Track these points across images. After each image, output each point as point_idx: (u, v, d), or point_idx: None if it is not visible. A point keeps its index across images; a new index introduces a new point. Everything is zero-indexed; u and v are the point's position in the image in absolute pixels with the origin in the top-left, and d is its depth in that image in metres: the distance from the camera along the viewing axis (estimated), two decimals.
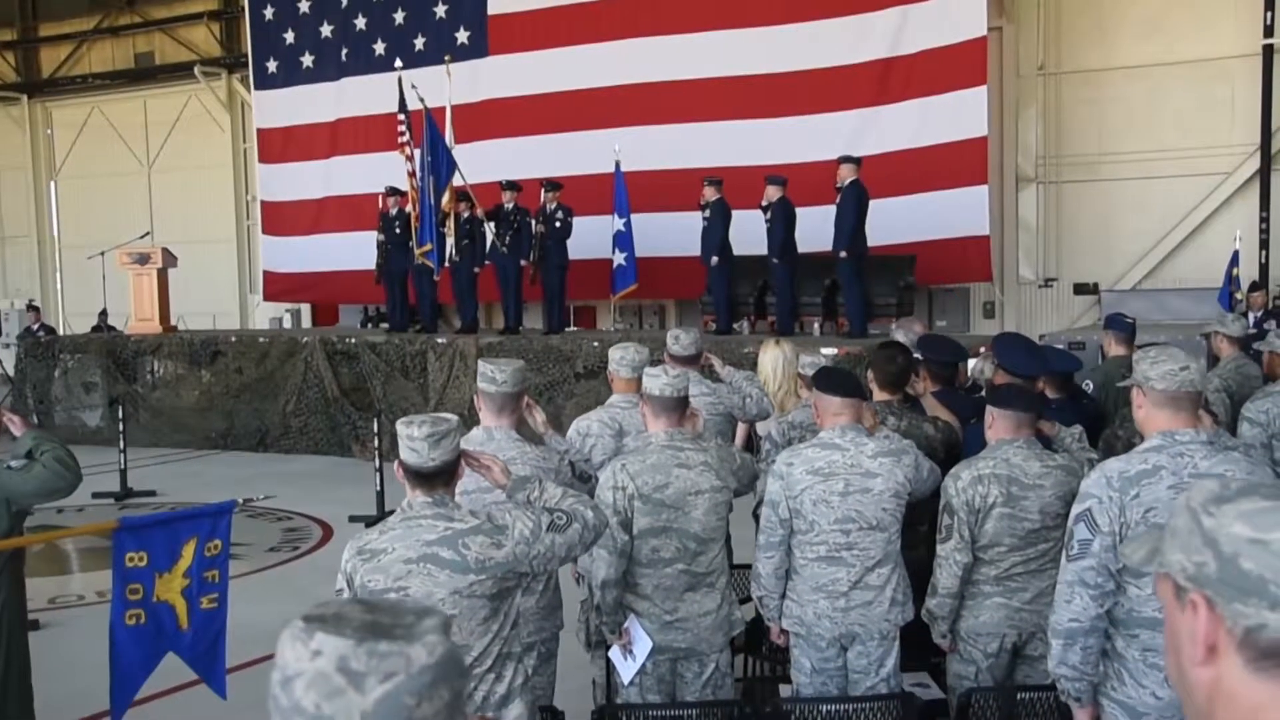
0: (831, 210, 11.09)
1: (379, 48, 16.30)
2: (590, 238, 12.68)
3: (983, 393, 5.17)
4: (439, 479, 2.89)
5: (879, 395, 4.52)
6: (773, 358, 6.00)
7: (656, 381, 3.76)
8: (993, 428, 3.83)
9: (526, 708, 2.95)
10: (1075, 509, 2.97)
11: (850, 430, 3.82)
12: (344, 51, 16.83)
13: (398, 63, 13.35)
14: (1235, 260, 11.63)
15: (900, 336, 5.54)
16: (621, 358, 4.64)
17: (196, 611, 4.14)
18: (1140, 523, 2.85)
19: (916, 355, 5.02)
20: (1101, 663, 2.98)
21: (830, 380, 3.87)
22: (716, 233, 11.66)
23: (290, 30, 17.35)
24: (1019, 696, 3.52)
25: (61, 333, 17.73)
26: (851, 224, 10.88)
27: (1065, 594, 2.94)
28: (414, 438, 2.86)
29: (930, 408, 4.74)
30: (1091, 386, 5.97)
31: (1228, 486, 1.07)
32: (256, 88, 17.91)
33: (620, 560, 3.65)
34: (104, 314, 17.01)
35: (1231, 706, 1.03)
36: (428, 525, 2.83)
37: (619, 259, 12.62)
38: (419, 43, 15.87)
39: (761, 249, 11.53)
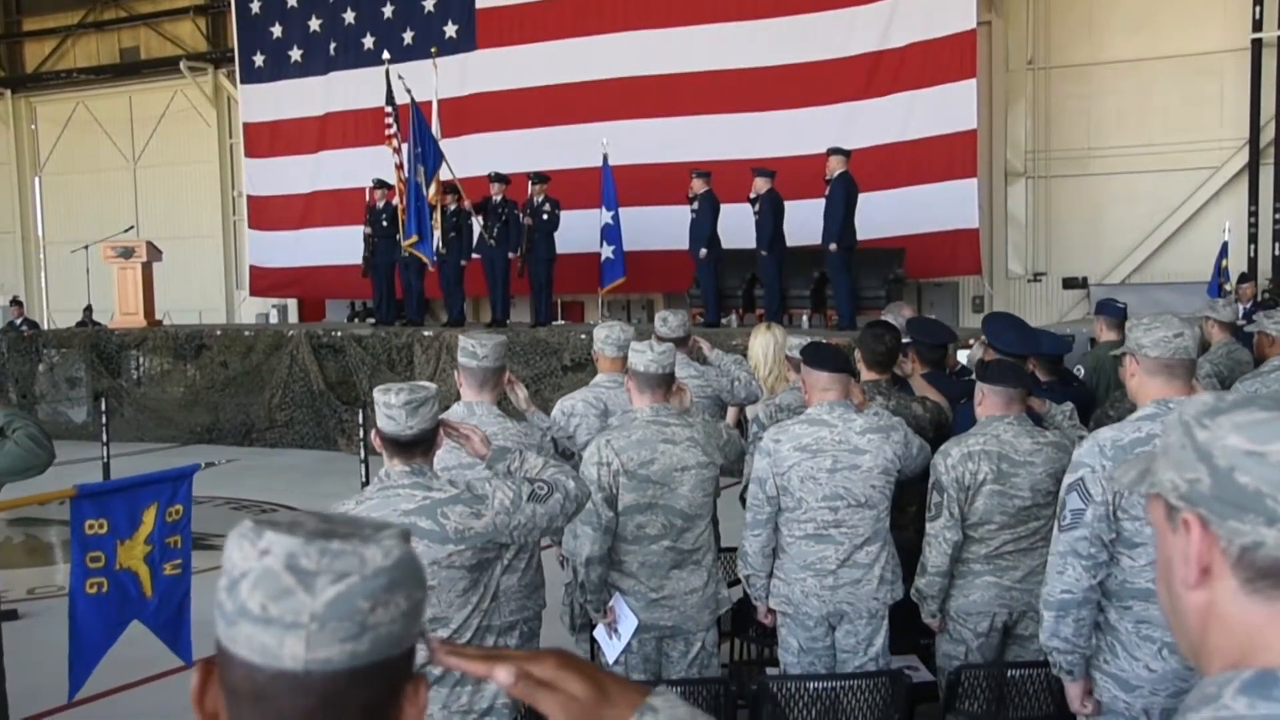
0: (820, 204, 11.05)
1: (368, 42, 16.21)
2: (578, 231, 12.62)
3: (973, 375, 5.12)
4: (417, 448, 2.83)
5: (866, 375, 4.46)
6: (763, 342, 5.93)
7: (642, 357, 3.69)
8: (983, 404, 3.78)
9: None
10: (1067, 478, 2.91)
11: (838, 406, 3.76)
12: (332, 45, 16.73)
13: (385, 55, 13.29)
14: (1224, 251, 11.62)
15: (889, 320, 5.48)
16: (606, 336, 4.58)
17: (160, 578, 4.06)
18: (1134, 492, 2.79)
19: (905, 339, 4.97)
20: (1094, 635, 2.92)
21: (818, 355, 3.80)
22: (705, 225, 11.60)
23: (277, 24, 17.25)
24: (1009, 674, 3.46)
25: (45, 329, 17.59)
26: (840, 216, 10.83)
27: (1057, 565, 2.88)
28: (391, 405, 2.79)
29: (919, 388, 4.68)
30: (1082, 371, 5.93)
31: (1222, 399, 1.00)
32: (243, 82, 17.79)
33: (604, 537, 3.59)
34: (89, 310, 16.87)
35: (1226, 631, 0.97)
36: (405, 495, 2.76)
37: (607, 252, 12.56)
38: (408, 36, 15.78)
39: (750, 243, 11.48)
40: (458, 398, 3.92)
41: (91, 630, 4.05)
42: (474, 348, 3.79)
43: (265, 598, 0.90)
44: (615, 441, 3.62)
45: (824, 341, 4.14)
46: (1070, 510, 2.85)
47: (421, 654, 1.00)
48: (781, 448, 3.73)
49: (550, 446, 3.94)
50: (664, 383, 3.71)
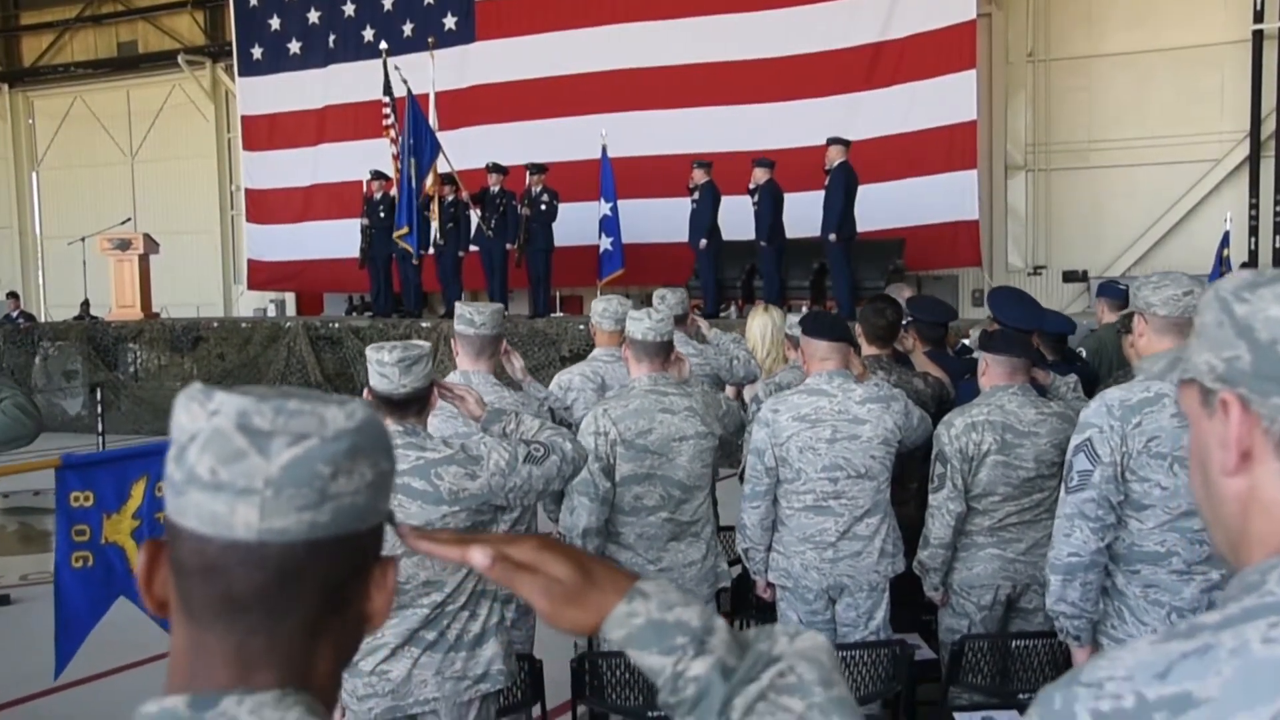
0: (820, 196, 10.99)
1: (367, 34, 16.12)
2: (577, 224, 12.56)
3: (974, 354, 5.06)
4: (410, 407, 2.78)
5: (867, 350, 4.40)
6: (761, 324, 5.88)
7: (640, 325, 3.63)
8: (986, 374, 3.72)
9: (502, 647, 2.83)
10: (1075, 439, 2.83)
11: (838, 376, 3.70)
12: (331, 38, 16.67)
13: (383, 44, 13.26)
14: (1226, 241, 11.55)
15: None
16: (604, 310, 4.53)
17: None
18: (1142, 452, 2.73)
19: (906, 319, 4.91)
20: (1101, 600, 2.86)
21: (816, 324, 3.75)
22: (705, 215, 11.55)
23: (276, 17, 17.18)
24: (1013, 645, 3.40)
25: (42, 322, 17.51)
26: (840, 206, 10.77)
27: (1064, 528, 2.81)
28: (384, 363, 2.74)
29: (920, 365, 4.63)
30: (1085, 353, 5.88)
31: (1261, 273, 0.94)
32: (241, 74, 17.72)
33: (602, 508, 3.52)
34: (86, 304, 16.78)
35: (1268, 516, 0.90)
36: (399, 455, 2.69)
37: (605, 244, 12.51)
38: (407, 28, 15.71)
39: (749, 234, 11.43)
40: None
41: (77, 606, 3.97)
42: (471, 315, 3.74)
43: (215, 461, 0.81)
44: (612, 411, 3.56)
45: (823, 311, 4.08)
46: (1078, 471, 2.79)
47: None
48: (780, 418, 3.67)
49: (547, 416, 3.88)
50: (662, 351, 3.65)
